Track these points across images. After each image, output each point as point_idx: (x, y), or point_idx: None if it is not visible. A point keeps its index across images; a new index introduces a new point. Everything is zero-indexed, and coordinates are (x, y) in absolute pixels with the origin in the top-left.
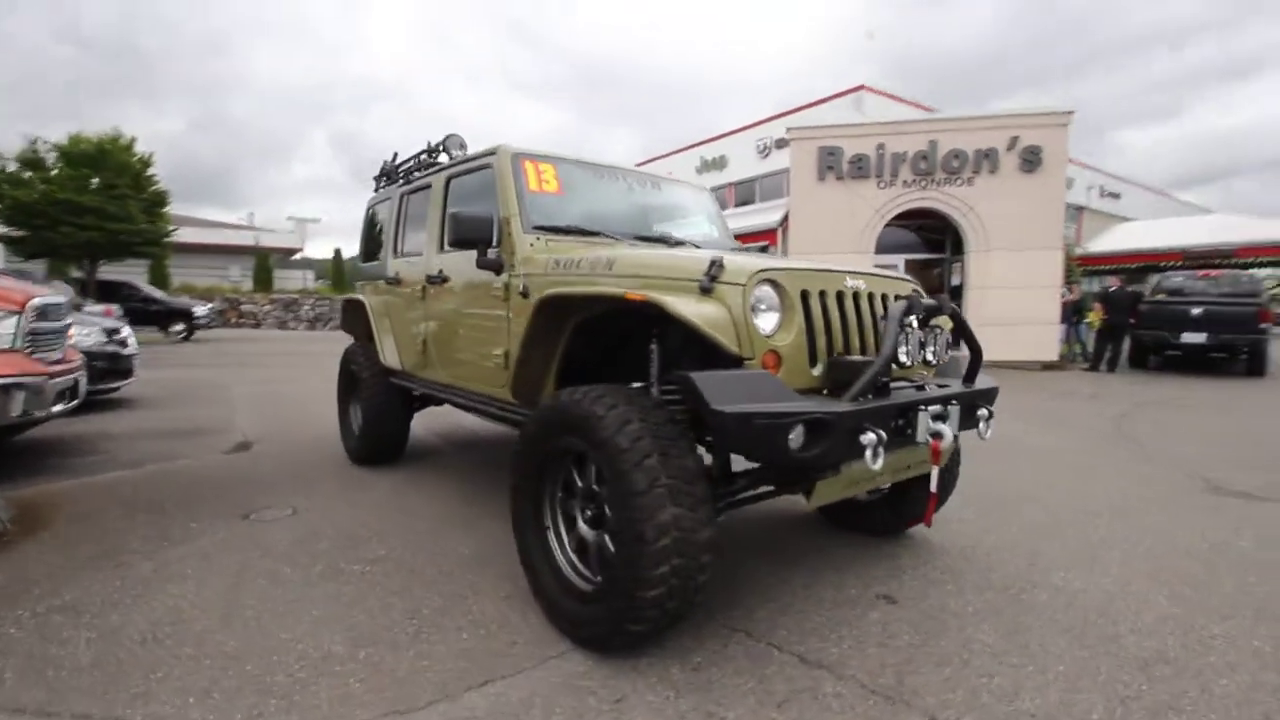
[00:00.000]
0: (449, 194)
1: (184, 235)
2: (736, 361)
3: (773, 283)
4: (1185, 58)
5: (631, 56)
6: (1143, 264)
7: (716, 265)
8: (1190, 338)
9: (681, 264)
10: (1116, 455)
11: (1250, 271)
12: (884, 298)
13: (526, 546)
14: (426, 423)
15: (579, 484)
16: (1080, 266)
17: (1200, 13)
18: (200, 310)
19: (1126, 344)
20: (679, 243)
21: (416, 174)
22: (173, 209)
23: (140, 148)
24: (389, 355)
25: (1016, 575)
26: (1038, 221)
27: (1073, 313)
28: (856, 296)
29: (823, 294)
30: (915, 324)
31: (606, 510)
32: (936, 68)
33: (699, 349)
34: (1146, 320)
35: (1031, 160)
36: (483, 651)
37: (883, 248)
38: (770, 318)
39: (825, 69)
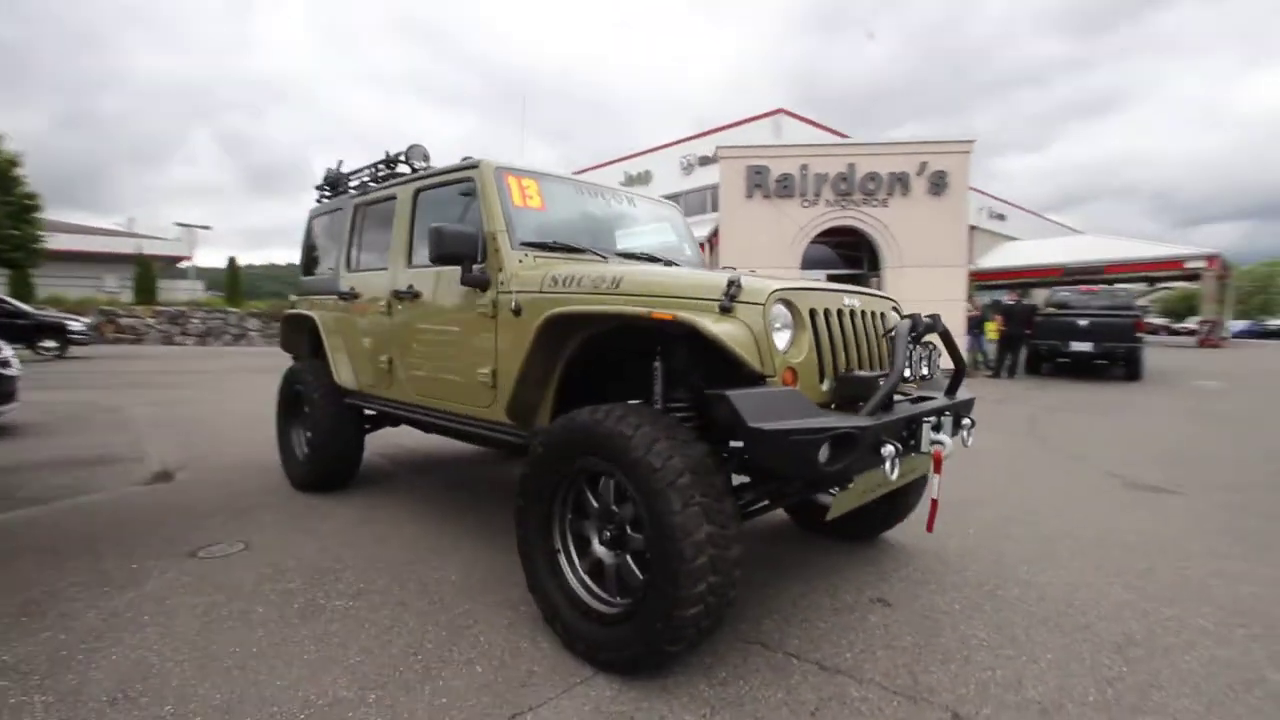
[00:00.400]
0: (417, 207)
1: (55, 242)
2: (758, 379)
3: (786, 302)
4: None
5: (543, 68)
6: (1027, 280)
7: (735, 285)
8: (1079, 346)
9: (696, 283)
10: (1037, 456)
11: (1126, 286)
12: (874, 314)
13: (535, 571)
14: (371, 445)
15: (594, 505)
16: (975, 282)
17: (1060, 54)
18: (76, 325)
19: (1023, 353)
20: (667, 261)
21: (373, 184)
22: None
23: (7, 145)
24: (344, 374)
25: (988, 573)
26: (945, 240)
27: (974, 325)
28: (853, 314)
29: (826, 312)
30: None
31: (628, 530)
32: (838, 96)
33: (705, 367)
34: (1041, 331)
35: (939, 184)
36: (502, 684)
37: (807, 263)
38: (785, 336)
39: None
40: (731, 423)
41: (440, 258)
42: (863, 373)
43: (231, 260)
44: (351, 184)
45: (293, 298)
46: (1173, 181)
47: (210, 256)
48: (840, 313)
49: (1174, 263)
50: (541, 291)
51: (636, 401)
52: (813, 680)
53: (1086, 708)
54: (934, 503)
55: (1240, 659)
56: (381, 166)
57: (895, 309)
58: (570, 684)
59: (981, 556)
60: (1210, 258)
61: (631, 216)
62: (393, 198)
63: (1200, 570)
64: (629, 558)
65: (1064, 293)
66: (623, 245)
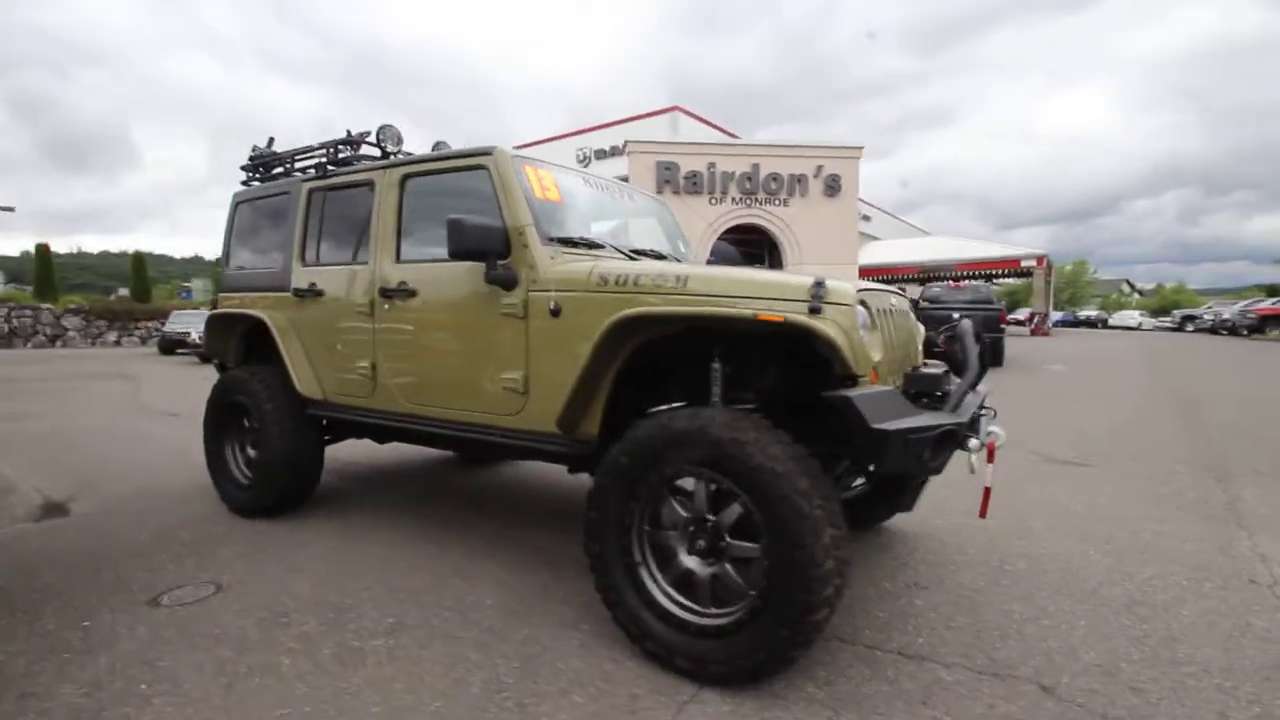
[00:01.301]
0: (405, 195)
1: None
2: (850, 380)
3: (863, 302)
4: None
5: (405, 44)
6: (891, 276)
7: (821, 286)
8: None
9: (777, 284)
10: None
11: (973, 283)
12: (903, 312)
13: (615, 587)
14: None
15: (681, 514)
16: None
17: (904, 69)
18: None
19: None
20: (662, 257)
21: (332, 167)
22: None
23: None
24: (305, 382)
25: (990, 551)
26: (839, 239)
27: None
28: (893, 311)
29: (880, 310)
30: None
31: (726, 539)
32: (711, 96)
33: (774, 368)
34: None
35: (833, 186)
36: (610, 711)
37: (714, 259)
38: (867, 335)
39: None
40: (849, 424)
41: (460, 253)
42: (929, 370)
43: (41, 248)
44: (296, 165)
45: (221, 295)
46: (992, 189)
47: (7, 243)
48: (889, 311)
49: (1011, 261)
50: (589, 291)
51: (680, 404)
52: (905, 670)
53: (1138, 665)
54: (987, 490)
55: (1222, 608)
56: (343, 148)
57: (913, 303)
58: (680, 702)
59: (973, 537)
60: (1039, 258)
61: (633, 211)
62: (369, 184)
63: (1147, 533)
64: (728, 566)
65: (936, 288)
66: (631, 242)
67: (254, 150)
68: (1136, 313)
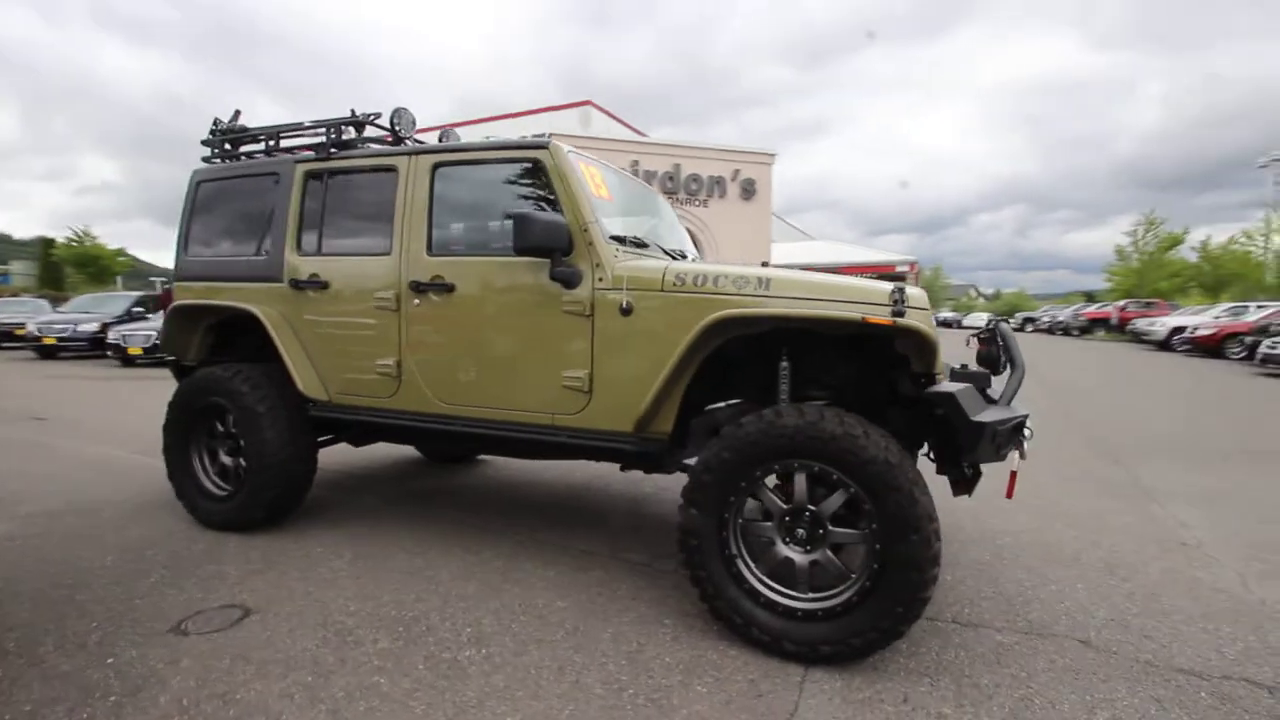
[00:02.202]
0: (437, 184)
1: None
2: (929, 379)
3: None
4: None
5: (271, 13)
6: None
7: (902, 291)
8: None
9: (860, 288)
10: None
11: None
12: None
13: (714, 580)
14: None
15: (780, 505)
16: None
17: (786, 80)
18: None
19: None
20: (683, 255)
21: (334, 149)
22: None
23: None
24: (309, 381)
25: (980, 529)
26: (756, 241)
27: None
28: None
29: None
30: None
31: (827, 527)
32: (603, 93)
33: (841, 367)
34: None
35: (749, 190)
36: (741, 698)
37: None
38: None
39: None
40: (951, 417)
41: (527, 249)
42: (974, 369)
43: None
44: (280, 144)
45: (177, 283)
46: (861, 197)
47: None
48: None
49: (887, 266)
50: (664, 290)
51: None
52: (968, 637)
53: (1140, 617)
54: (1014, 474)
55: (1176, 567)
56: (346, 129)
57: None
58: (795, 683)
59: (963, 519)
60: (911, 263)
61: (656, 208)
62: (390, 169)
63: (1085, 509)
64: (829, 553)
65: None
66: (658, 239)
67: (216, 124)
68: (985, 315)
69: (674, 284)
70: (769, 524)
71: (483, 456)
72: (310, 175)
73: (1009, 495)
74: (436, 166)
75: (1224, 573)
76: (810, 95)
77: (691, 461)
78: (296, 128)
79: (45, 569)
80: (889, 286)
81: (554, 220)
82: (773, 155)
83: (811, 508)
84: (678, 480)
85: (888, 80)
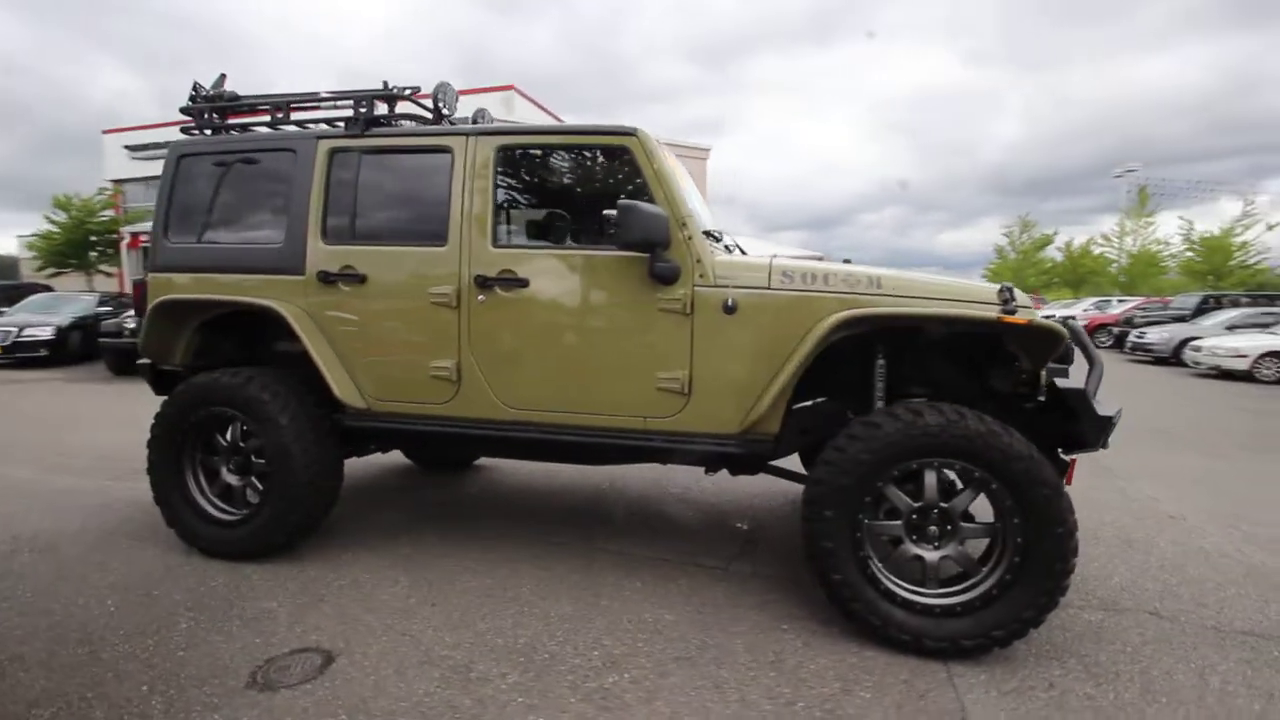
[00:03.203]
0: (499, 169)
1: None
2: (1035, 378)
3: None
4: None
5: None
6: None
7: (1010, 290)
8: None
9: (972, 288)
10: None
11: None
12: None
13: (850, 583)
14: None
15: (911, 503)
16: None
17: (688, 79)
18: None
19: None
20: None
21: (369, 125)
22: None
23: None
24: (345, 387)
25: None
26: None
27: None
28: None
29: None
30: None
31: (958, 523)
32: (505, 76)
33: (938, 364)
34: None
35: None
36: (908, 700)
37: None
38: None
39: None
40: (1080, 411)
41: (631, 243)
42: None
43: None
44: (291, 117)
45: (153, 274)
46: (757, 195)
47: None
48: None
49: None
50: (771, 288)
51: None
52: (1064, 617)
53: (1182, 585)
54: (1074, 461)
55: (1180, 539)
56: (378, 104)
57: None
58: (943, 680)
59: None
60: (819, 257)
61: (698, 195)
62: (443, 150)
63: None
64: (960, 547)
65: None
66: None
67: (197, 90)
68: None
69: (781, 282)
70: (896, 523)
71: (480, 461)
72: (335, 153)
73: (1069, 483)
74: (502, 150)
75: (1220, 541)
76: (710, 94)
77: (778, 462)
78: (310, 99)
79: (35, 623)
80: (994, 286)
81: (659, 213)
82: (707, 150)
83: (943, 504)
84: (689, 477)
85: (782, 84)
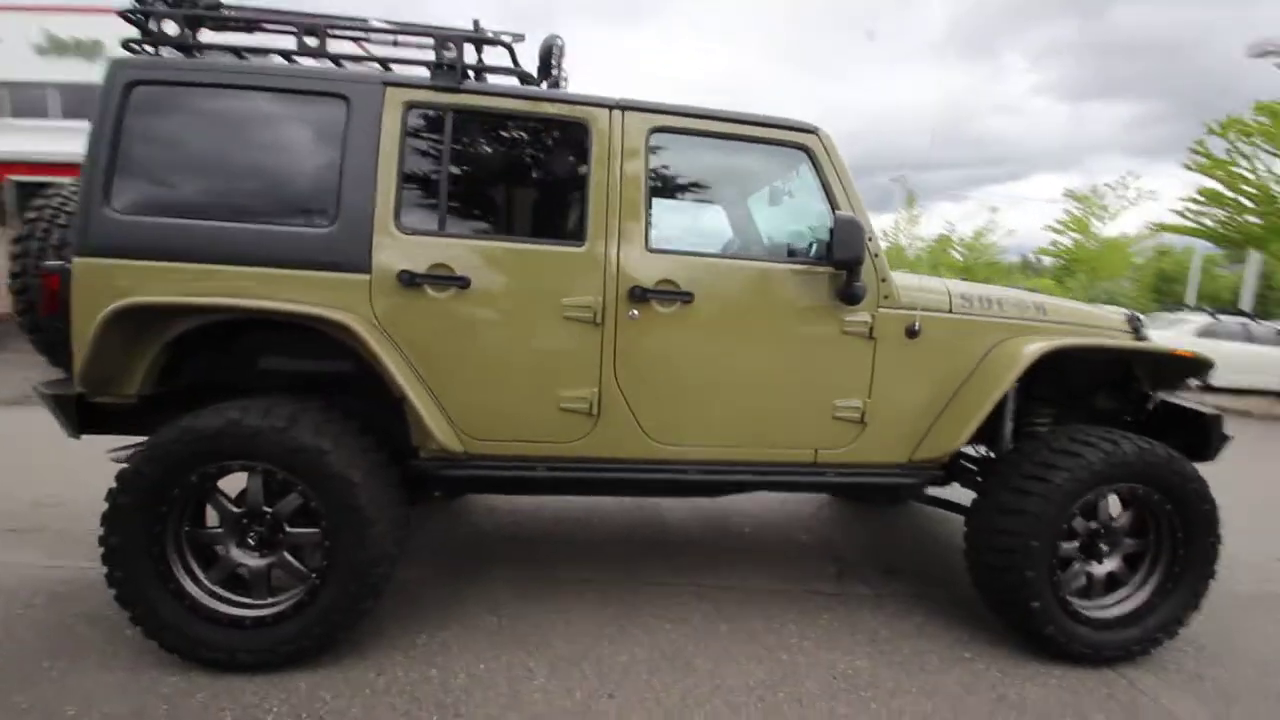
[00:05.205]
0: (652, 155)
1: None
2: (1143, 396)
3: None
4: None
5: None
6: None
7: (1138, 319)
8: None
9: (1108, 315)
10: None
11: None
12: None
13: (1045, 608)
14: None
15: (1090, 529)
16: None
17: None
18: None
19: None
20: None
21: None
22: None
23: None
24: (441, 428)
25: None
26: None
27: None
28: None
29: None
30: None
31: (1121, 540)
32: None
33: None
34: None
35: None
36: (1068, 691)
37: None
38: None
39: None
40: (1211, 431)
41: (846, 261)
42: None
43: None
44: (326, 49)
45: (76, 260)
46: None
47: None
48: None
49: None
50: (953, 312)
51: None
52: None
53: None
54: None
55: None
56: (470, 50)
57: None
58: (1127, 686)
59: None
60: None
61: None
62: (577, 123)
63: None
64: (1119, 562)
65: None
66: None
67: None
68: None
69: (961, 306)
70: (1074, 544)
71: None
72: (416, 109)
73: None
74: (655, 131)
75: None
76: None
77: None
78: (356, 26)
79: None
80: (1124, 313)
81: (865, 227)
82: None
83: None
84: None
85: (585, 62)
